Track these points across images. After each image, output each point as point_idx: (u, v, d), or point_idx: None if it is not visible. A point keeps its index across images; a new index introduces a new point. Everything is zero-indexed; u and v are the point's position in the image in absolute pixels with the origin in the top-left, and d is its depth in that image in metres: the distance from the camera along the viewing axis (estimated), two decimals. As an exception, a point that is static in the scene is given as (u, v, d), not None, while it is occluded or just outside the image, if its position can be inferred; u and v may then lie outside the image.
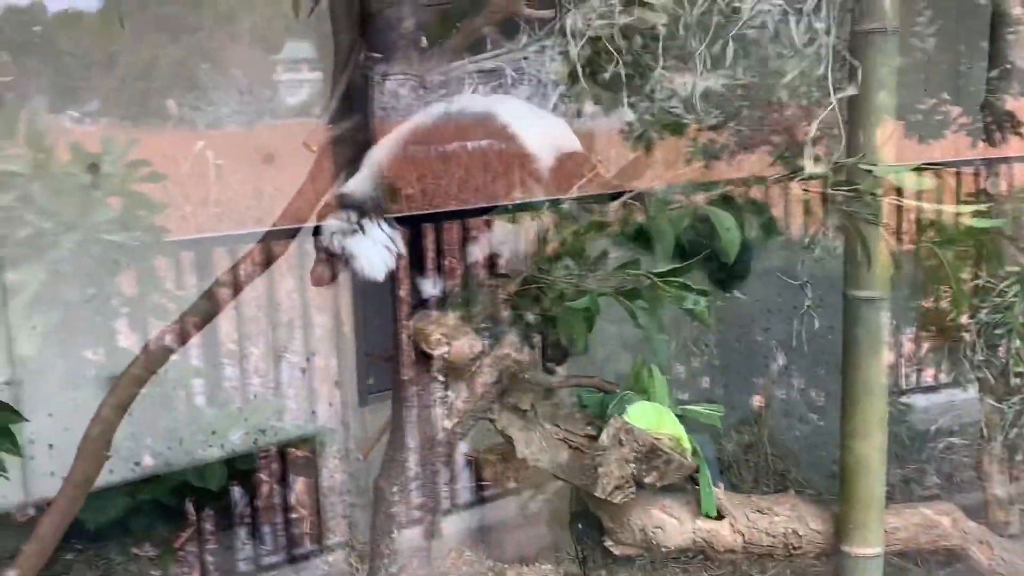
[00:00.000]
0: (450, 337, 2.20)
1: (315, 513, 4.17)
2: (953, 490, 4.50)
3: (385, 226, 2.35)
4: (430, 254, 4.25)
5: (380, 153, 2.38)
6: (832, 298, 3.55)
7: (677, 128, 2.37)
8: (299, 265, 4.03)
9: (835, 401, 4.79)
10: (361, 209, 2.34)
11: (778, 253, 4.51)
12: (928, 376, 5.31)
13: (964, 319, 3.29)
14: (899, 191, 2.46)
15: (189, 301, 3.65)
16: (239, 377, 3.94)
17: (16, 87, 4.03)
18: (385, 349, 2.67)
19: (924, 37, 4.78)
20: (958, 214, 2.31)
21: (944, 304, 3.89)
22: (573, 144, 2.43)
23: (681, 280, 2.12)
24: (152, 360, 2.58)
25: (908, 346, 5.30)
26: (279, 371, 4.02)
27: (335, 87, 2.57)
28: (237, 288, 2.64)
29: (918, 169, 2.26)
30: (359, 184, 2.37)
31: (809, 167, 2.16)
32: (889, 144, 2.48)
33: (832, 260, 3.89)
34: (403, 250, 2.39)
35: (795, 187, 2.32)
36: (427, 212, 3.94)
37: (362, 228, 2.32)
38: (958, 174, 4.86)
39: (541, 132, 2.41)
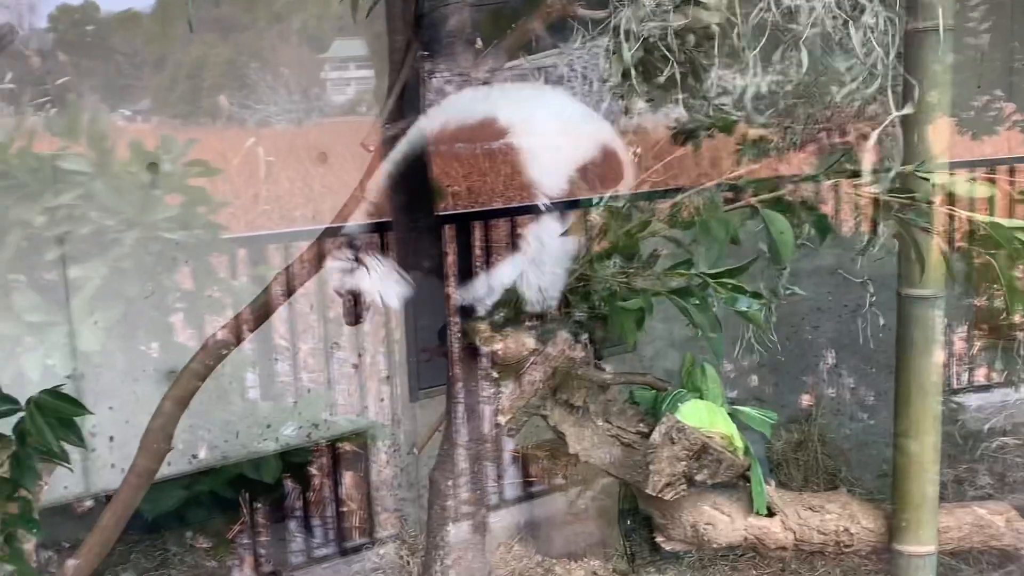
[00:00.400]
0: (502, 334, 2.23)
1: (366, 506, 4.23)
2: (1006, 490, 4.46)
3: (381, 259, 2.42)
4: (477, 251, 4.30)
5: (375, 182, 2.43)
6: (882, 296, 3.54)
7: (727, 127, 2.38)
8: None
9: (885, 400, 4.77)
10: (356, 246, 2.41)
11: (830, 251, 4.49)
12: (980, 375, 5.27)
13: (1017, 318, 3.26)
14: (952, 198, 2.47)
15: (243, 297, 3.73)
16: (291, 372, 4.01)
17: (70, 86, 4.12)
18: (438, 344, 2.70)
19: (978, 34, 4.73)
20: (1014, 229, 2.30)
21: (996, 303, 3.86)
22: (614, 144, 2.44)
23: (735, 282, 2.14)
24: (211, 355, 2.64)
25: (959, 345, 5.26)
26: (330, 366, 4.07)
27: (391, 87, 2.61)
28: (293, 285, 2.69)
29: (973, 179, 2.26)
30: (355, 222, 2.43)
31: (867, 176, 2.16)
32: (941, 143, 2.48)
33: (886, 259, 3.88)
34: (411, 281, 2.44)
35: (848, 188, 2.32)
36: (475, 210, 3.98)
37: (364, 264, 2.38)
38: (1011, 171, 4.82)
39: (579, 130, 2.43)
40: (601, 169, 2.39)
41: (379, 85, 4.22)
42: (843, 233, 4.47)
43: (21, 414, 2.50)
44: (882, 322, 3.77)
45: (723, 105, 2.35)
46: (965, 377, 5.29)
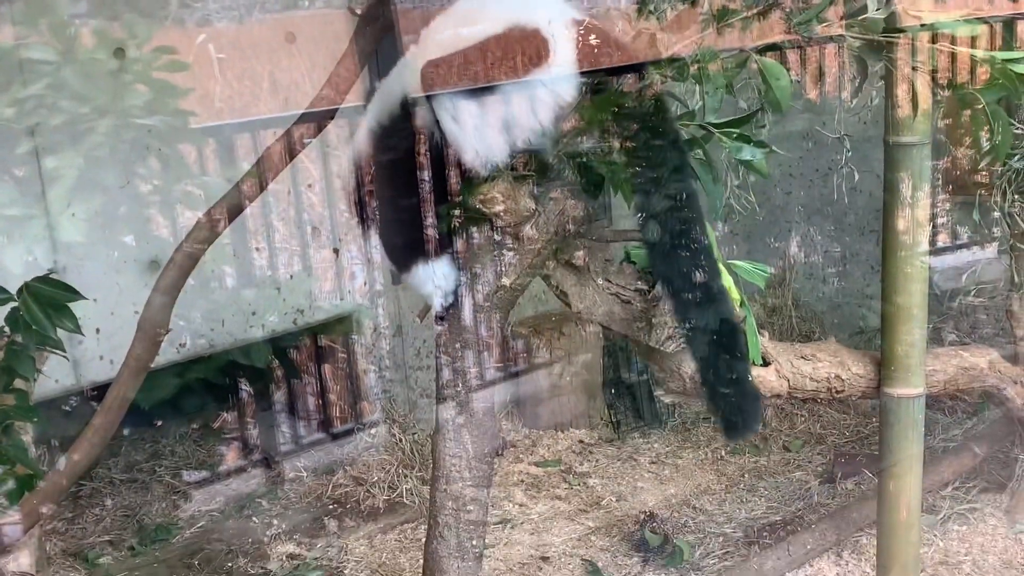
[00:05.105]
0: (505, 197, 2.23)
1: (355, 389, 4.26)
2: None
3: None
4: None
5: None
6: (854, 156, 3.57)
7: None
8: (323, 151, 4.04)
9: (857, 261, 4.87)
10: None
11: (801, 116, 4.52)
12: (942, 239, 5.36)
13: (992, 168, 3.30)
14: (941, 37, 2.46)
15: (215, 186, 3.68)
16: (271, 260, 3.99)
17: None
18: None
19: None
20: (1006, 60, 2.32)
21: (969, 158, 3.90)
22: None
23: (740, 131, 2.14)
24: (200, 240, 2.62)
25: (925, 205, 5.32)
26: (311, 253, 4.05)
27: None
28: (274, 171, 2.65)
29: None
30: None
31: (872, 8, 2.15)
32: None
33: (861, 117, 3.90)
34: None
35: (839, 29, 2.32)
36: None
37: None
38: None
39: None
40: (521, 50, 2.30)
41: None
42: (820, 94, 4.49)
43: (13, 304, 2.48)
44: (856, 178, 3.82)
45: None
46: (931, 238, 5.38)
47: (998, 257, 4.82)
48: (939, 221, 5.25)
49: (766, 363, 2.68)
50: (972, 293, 4.88)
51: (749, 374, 2.39)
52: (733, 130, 2.13)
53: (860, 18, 2.18)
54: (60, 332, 2.54)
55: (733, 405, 2.34)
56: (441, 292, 2.37)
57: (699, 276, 2.20)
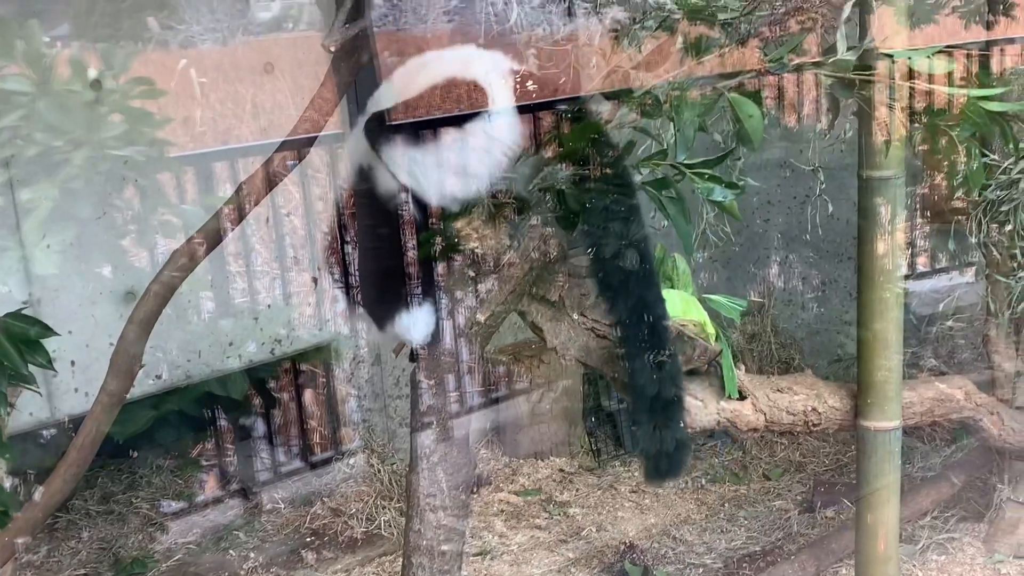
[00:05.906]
0: (480, 232, 2.23)
1: (333, 419, 4.24)
2: (953, 371, 4.58)
3: None
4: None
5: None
6: (830, 185, 3.58)
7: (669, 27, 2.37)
8: (303, 177, 4.04)
9: (835, 288, 4.88)
10: None
11: (778, 145, 4.54)
12: (921, 263, 5.39)
13: (969, 198, 3.32)
14: (916, 75, 2.48)
15: (193, 215, 3.66)
16: (249, 289, 3.97)
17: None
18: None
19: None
20: (980, 98, 2.34)
21: (946, 186, 3.91)
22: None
23: (711, 172, 2.14)
24: (177, 271, 2.60)
25: (900, 234, 5.35)
26: (289, 282, 4.04)
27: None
28: (254, 199, 2.63)
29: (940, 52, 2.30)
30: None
31: (842, 50, 2.16)
32: (896, 21, 2.49)
33: (835, 147, 3.91)
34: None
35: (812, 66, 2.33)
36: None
37: None
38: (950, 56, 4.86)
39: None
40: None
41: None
42: (789, 126, 4.52)
43: (-16, 339, 2.46)
44: (831, 209, 3.83)
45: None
46: (909, 264, 5.41)
47: (975, 283, 4.84)
48: (917, 246, 5.29)
49: (743, 397, 2.68)
50: (950, 319, 4.90)
51: (682, 420, 2.40)
52: (705, 171, 2.13)
53: (830, 60, 2.19)
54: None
55: (661, 449, 2.36)
56: (418, 335, 2.37)
57: (637, 317, 2.23)
